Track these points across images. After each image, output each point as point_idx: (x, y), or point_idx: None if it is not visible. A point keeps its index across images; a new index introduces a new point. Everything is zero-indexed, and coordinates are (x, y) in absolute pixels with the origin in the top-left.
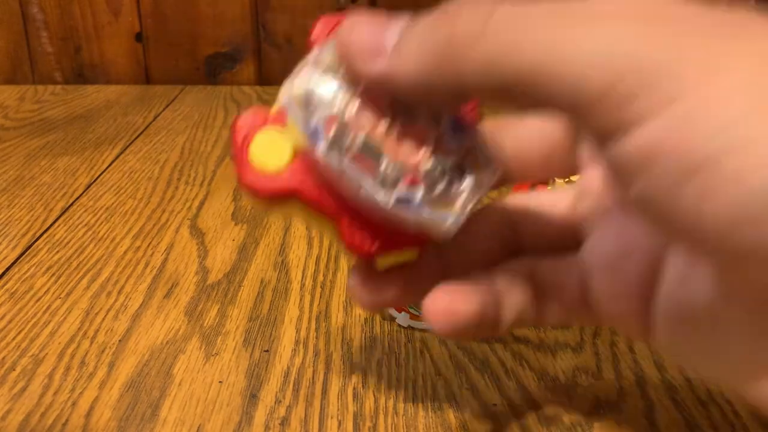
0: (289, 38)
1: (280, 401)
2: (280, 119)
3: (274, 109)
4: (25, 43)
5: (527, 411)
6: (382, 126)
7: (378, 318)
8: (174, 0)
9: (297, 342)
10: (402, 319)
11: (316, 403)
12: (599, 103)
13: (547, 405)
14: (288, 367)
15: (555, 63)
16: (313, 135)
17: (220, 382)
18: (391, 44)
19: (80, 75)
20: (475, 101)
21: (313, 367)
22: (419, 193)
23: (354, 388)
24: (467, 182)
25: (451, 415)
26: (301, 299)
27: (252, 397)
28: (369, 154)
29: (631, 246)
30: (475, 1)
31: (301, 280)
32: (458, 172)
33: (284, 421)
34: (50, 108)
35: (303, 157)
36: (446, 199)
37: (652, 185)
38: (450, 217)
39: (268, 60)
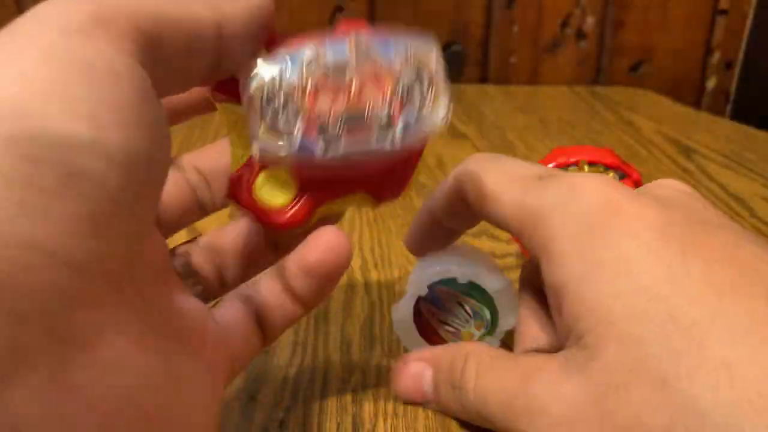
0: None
1: (279, 403)
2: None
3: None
4: None
5: None
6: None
7: (377, 319)
8: None
9: (296, 343)
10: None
11: (315, 405)
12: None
13: None
14: (287, 369)
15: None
16: (303, 149)
17: None
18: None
19: None
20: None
21: (312, 368)
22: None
23: (353, 390)
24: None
25: (452, 416)
26: None
27: (250, 399)
28: (353, 123)
29: None
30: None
31: None
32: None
33: (282, 424)
34: None
35: (297, 170)
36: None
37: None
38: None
39: None
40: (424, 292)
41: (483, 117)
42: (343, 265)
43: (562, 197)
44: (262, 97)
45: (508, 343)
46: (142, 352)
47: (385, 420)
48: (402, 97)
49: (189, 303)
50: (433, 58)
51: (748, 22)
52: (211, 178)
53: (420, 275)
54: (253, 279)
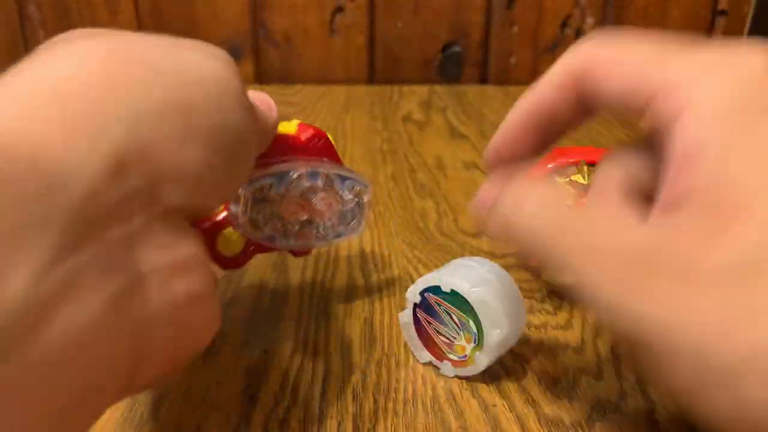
0: (287, 37)
1: (279, 402)
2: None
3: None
4: (22, 42)
5: (528, 412)
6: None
7: (378, 319)
8: None
9: (296, 343)
10: (445, 368)
11: (316, 405)
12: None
13: (548, 406)
14: (287, 368)
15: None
16: (268, 238)
17: (218, 383)
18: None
19: None
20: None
21: (312, 368)
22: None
23: (353, 389)
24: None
25: (451, 416)
26: (300, 300)
27: (250, 399)
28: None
29: None
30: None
31: (301, 281)
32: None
33: (283, 423)
34: None
35: (252, 242)
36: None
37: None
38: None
39: (267, 58)
40: (417, 299)
41: (483, 117)
42: None
43: (714, 61)
44: (254, 196)
45: (505, 361)
46: (206, 256)
47: (385, 419)
48: (341, 215)
49: None
50: (368, 193)
51: (748, 23)
52: None
53: (417, 282)
54: None
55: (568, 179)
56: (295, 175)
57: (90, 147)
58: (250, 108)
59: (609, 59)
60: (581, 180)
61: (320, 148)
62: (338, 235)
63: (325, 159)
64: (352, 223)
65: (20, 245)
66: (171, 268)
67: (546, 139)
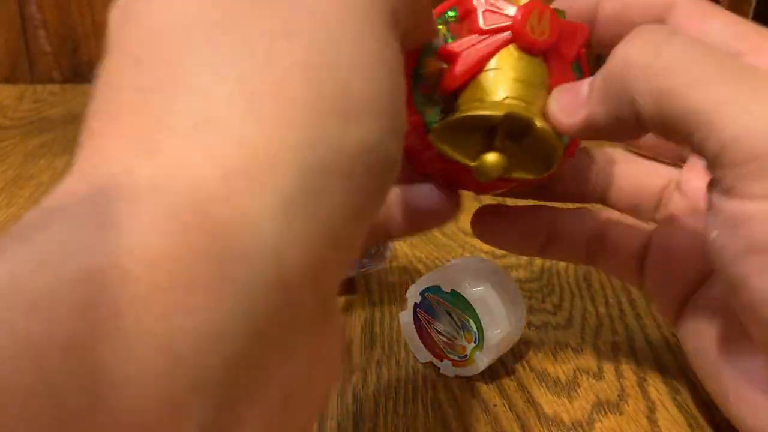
0: None
1: None
2: None
3: None
4: (23, 42)
5: (528, 412)
6: None
7: (378, 319)
8: None
9: None
10: (445, 368)
11: None
12: (732, 167)
13: (548, 406)
14: None
15: (713, 121)
16: None
17: None
18: (585, 96)
19: (79, 74)
20: None
21: None
22: None
23: (354, 389)
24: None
25: (451, 416)
26: None
27: None
28: None
29: (694, 248)
30: (651, 29)
31: None
32: None
33: None
34: (49, 107)
35: None
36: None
37: (728, 241)
38: None
39: None
40: (417, 299)
41: None
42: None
43: None
44: None
45: (505, 361)
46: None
47: (385, 419)
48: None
49: None
50: None
51: None
52: None
53: (417, 282)
54: None
55: None
56: None
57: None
58: (404, 107)
59: None
60: None
61: None
62: (362, 267)
63: None
64: (376, 254)
65: (179, 423)
66: (313, 365)
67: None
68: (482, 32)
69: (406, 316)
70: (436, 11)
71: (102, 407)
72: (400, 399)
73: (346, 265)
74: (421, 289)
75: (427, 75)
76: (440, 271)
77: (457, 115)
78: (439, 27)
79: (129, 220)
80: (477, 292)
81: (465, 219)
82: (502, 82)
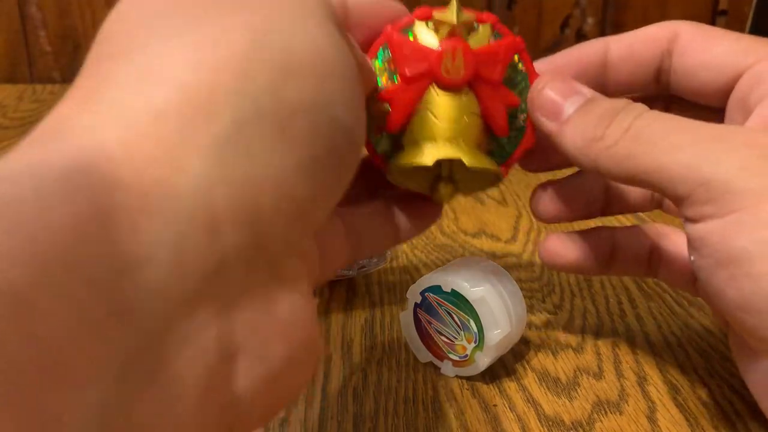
0: None
1: None
2: None
3: None
4: (23, 42)
5: (528, 412)
6: None
7: (378, 318)
8: None
9: None
10: (446, 368)
11: (316, 404)
12: (686, 198)
13: (548, 405)
14: None
15: (662, 170)
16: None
17: None
18: (567, 115)
19: None
20: None
21: None
22: None
23: (354, 389)
24: None
25: (452, 416)
26: None
27: None
28: None
29: None
30: (625, 110)
31: None
32: None
33: (284, 422)
34: (49, 107)
35: None
36: None
37: (700, 262)
38: None
39: None
40: (417, 299)
41: None
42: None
43: None
44: None
45: (505, 361)
46: (312, 300)
47: (385, 419)
48: None
49: None
50: None
51: (748, 23)
52: None
53: (418, 282)
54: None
55: (429, 22)
56: None
57: (167, 198)
58: (359, 86)
59: (696, 36)
60: (448, 18)
61: None
62: (362, 267)
63: None
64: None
65: (99, 346)
66: (268, 332)
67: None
68: (406, 79)
69: (406, 316)
70: (372, 50)
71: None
72: (400, 399)
73: (300, 230)
74: (421, 289)
75: (376, 116)
76: (440, 271)
77: (397, 164)
78: (378, 65)
79: (58, 156)
80: (477, 292)
81: (465, 219)
82: (431, 125)
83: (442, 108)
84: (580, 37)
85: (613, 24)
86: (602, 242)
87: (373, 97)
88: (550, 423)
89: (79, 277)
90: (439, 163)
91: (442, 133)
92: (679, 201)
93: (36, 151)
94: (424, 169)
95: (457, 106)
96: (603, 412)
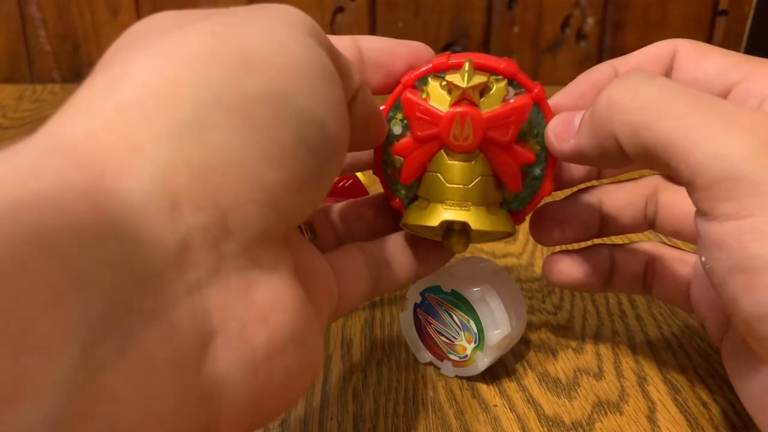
0: None
1: None
2: None
3: None
4: (23, 41)
5: (528, 412)
6: None
7: (378, 319)
8: None
9: None
10: (446, 368)
11: (316, 404)
12: (703, 190)
13: (548, 406)
14: None
15: (683, 148)
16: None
17: None
18: (576, 128)
19: (79, 74)
20: None
21: None
22: None
23: (354, 389)
24: None
25: (452, 416)
26: None
27: None
28: None
29: None
30: (634, 74)
31: None
32: None
33: (283, 422)
34: (49, 107)
35: None
36: None
37: (713, 264)
38: None
39: None
40: (417, 299)
41: None
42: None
43: None
44: None
45: (505, 361)
46: (297, 288)
47: (385, 419)
48: None
49: (308, 250)
50: None
51: (748, 23)
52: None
53: (418, 282)
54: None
55: (443, 81)
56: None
57: (123, 178)
58: (336, 85)
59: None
60: (459, 82)
61: (347, 188)
62: None
63: (350, 200)
64: None
65: (62, 314)
66: (247, 316)
67: None
68: (417, 138)
69: (406, 316)
70: (389, 100)
71: None
72: (400, 399)
73: (276, 218)
74: (421, 289)
75: (393, 163)
76: (440, 271)
77: (406, 221)
78: (394, 115)
79: (27, 146)
80: (477, 292)
81: None
82: (440, 186)
83: (451, 172)
84: (580, 36)
85: (613, 24)
86: (602, 260)
87: (390, 145)
88: (550, 423)
89: (40, 250)
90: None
91: (451, 195)
92: (693, 190)
93: (9, 148)
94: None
95: (467, 170)
96: (603, 412)
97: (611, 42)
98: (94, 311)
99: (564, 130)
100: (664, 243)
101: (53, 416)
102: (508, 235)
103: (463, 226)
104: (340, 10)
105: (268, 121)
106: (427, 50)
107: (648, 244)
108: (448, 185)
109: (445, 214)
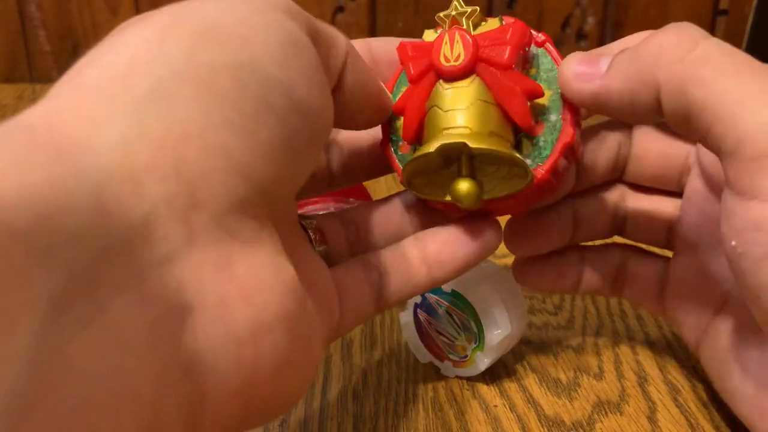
0: None
1: None
2: None
3: None
4: (22, 41)
5: (528, 412)
6: None
7: (378, 318)
8: None
9: None
10: (446, 368)
11: (316, 405)
12: (744, 163)
13: (549, 406)
14: None
15: (734, 113)
16: None
17: None
18: (604, 69)
19: None
20: None
21: None
22: None
23: (354, 390)
24: None
25: (452, 417)
26: None
27: None
28: None
29: (711, 277)
30: (689, 26)
31: None
32: None
33: (283, 423)
34: None
35: None
36: None
37: (746, 248)
38: None
39: None
40: (417, 299)
41: None
42: (466, 259)
43: None
44: None
45: (505, 361)
46: (285, 267)
47: (386, 419)
48: None
49: (310, 257)
50: None
51: (749, 23)
52: (347, 150)
53: None
54: (381, 250)
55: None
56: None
57: (82, 153)
58: (306, 53)
59: None
60: (449, 11)
61: (348, 190)
62: None
63: (351, 198)
64: None
65: (21, 288)
66: (225, 291)
67: None
68: (413, 80)
69: (406, 317)
70: (391, 80)
71: None
72: (400, 400)
73: (246, 188)
74: None
75: (400, 137)
76: None
77: (407, 166)
78: (401, 89)
79: None
80: (478, 292)
81: None
82: (438, 118)
83: (444, 98)
84: (581, 36)
85: (614, 23)
86: (570, 262)
87: (394, 119)
88: (551, 423)
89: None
90: (456, 162)
91: (448, 122)
92: (735, 161)
93: None
94: (438, 167)
95: (462, 93)
96: (603, 412)
97: (612, 41)
98: (56, 283)
99: (587, 69)
100: (635, 245)
101: (17, 388)
102: (525, 175)
103: (472, 172)
104: (340, 9)
105: (229, 89)
106: None
107: (619, 245)
108: (443, 112)
109: (441, 139)
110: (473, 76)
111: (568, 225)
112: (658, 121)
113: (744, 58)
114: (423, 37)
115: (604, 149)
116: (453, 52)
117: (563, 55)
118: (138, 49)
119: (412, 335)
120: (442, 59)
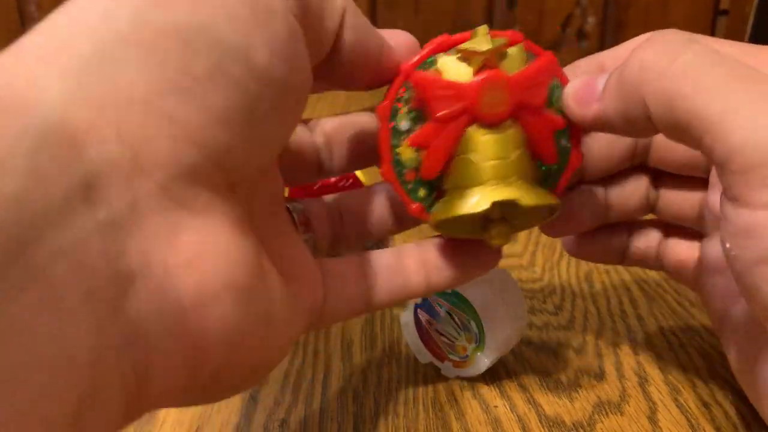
0: None
1: (280, 403)
2: None
3: None
4: None
5: (529, 412)
6: None
7: (378, 319)
8: None
9: (296, 343)
10: (446, 369)
11: (316, 405)
12: (738, 174)
13: (549, 406)
14: (287, 369)
15: (721, 126)
16: None
17: None
18: (600, 90)
19: None
20: None
21: (313, 368)
22: None
23: (354, 390)
24: None
25: (452, 417)
26: None
27: (251, 399)
28: None
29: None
30: (669, 36)
31: None
32: None
33: (283, 423)
34: None
35: None
36: None
37: (739, 252)
38: None
39: None
40: (419, 299)
41: None
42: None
43: None
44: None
45: (505, 362)
46: (240, 239)
47: (386, 419)
48: None
49: (292, 240)
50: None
51: (749, 23)
52: (334, 143)
53: None
54: (378, 250)
55: (457, 54)
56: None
57: (21, 115)
58: (271, 18)
59: None
60: (479, 46)
61: (347, 188)
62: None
63: (349, 192)
64: None
65: None
66: (170, 259)
67: None
68: (440, 120)
69: (406, 317)
70: (391, 91)
71: None
72: (400, 400)
73: (197, 155)
74: None
75: (405, 163)
76: None
77: (444, 215)
78: (399, 106)
79: None
80: (478, 292)
81: None
82: (476, 167)
83: (486, 147)
84: (581, 36)
85: (614, 23)
86: (618, 237)
87: (397, 142)
88: (551, 424)
89: None
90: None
91: (491, 174)
92: (726, 172)
93: None
94: (474, 215)
95: (503, 142)
96: (604, 412)
97: (612, 42)
98: None
99: (586, 94)
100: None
101: None
102: (554, 211)
103: (503, 214)
104: None
105: (178, 53)
106: (405, 34)
107: (663, 221)
108: (484, 164)
109: (492, 195)
110: (510, 121)
111: (601, 207)
112: (653, 134)
113: (728, 64)
114: (440, 64)
115: (621, 140)
116: (496, 98)
117: (563, 56)
118: (85, 13)
119: (412, 335)
120: (484, 107)
